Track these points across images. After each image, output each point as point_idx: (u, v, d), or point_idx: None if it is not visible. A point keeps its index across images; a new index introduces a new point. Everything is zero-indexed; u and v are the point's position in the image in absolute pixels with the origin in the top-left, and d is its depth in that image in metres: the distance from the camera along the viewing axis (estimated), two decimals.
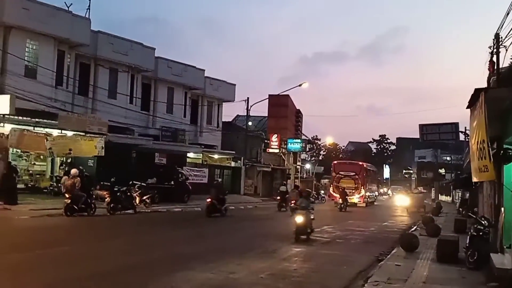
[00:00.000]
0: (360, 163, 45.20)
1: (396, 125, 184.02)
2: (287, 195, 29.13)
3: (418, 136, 33.72)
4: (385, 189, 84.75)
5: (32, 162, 26.31)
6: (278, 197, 30.76)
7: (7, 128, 21.16)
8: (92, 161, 26.07)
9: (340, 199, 33.42)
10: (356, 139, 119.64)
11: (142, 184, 23.45)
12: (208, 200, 21.44)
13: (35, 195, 23.25)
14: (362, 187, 39.96)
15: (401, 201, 37.20)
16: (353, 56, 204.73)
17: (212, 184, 26.31)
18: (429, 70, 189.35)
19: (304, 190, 18.64)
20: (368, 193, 42.15)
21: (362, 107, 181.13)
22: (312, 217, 15.35)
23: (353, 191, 38.63)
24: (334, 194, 38.55)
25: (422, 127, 32.14)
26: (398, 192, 44.24)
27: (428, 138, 34.37)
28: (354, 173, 40.68)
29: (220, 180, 23.39)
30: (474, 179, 10.69)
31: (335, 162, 46.30)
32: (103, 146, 24.99)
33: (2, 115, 20.77)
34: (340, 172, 41.14)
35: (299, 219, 14.71)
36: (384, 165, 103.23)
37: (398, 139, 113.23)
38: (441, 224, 20.02)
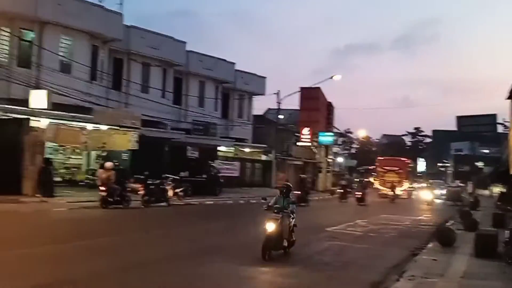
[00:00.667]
0: (403, 159, 48.27)
1: (431, 118, 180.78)
2: (348, 188, 34.26)
3: (454, 128, 33.09)
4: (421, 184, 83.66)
5: (68, 156, 26.86)
6: (341, 190, 34.09)
7: (44, 122, 21.58)
8: (126, 154, 26.46)
9: (391, 191, 36.18)
10: (390, 132, 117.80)
11: (175, 177, 23.61)
12: (298, 192, 24.39)
13: (71, 188, 23.77)
14: (405, 181, 43.35)
15: (425, 196, 35.99)
16: (386, 48, 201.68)
17: (300, 179, 30.80)
18: (465, 60, 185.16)
19: (285, 184, 11.93)
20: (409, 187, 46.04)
21: (396, 99, 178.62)
22: (292, 222, 10.70)
23: (397, 184, 40.25)
24: (380, 187, 42.06)
25: (459, 118, 31.41)
26: (426, 187, 41.91)
27: (466, 130, 33.60)
28: (398, 168, 44.52)
29: (305, 176, 26.65)
30: None
31: (380, 158, 49.89)
32: (137, 139, 25.28)
33: (38, 110, 21.19)
34: (385, 167, 44.76)
35: (270, 226, 9.88)
36: (419, 158, 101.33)
37: (434, 131, 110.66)
38: (478, 218, 19.43)
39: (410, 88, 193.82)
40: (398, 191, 39.27)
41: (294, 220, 10.78)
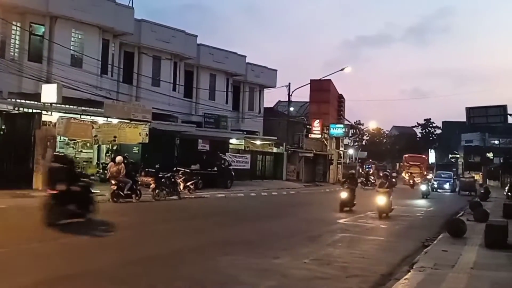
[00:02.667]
0: (423, 156, 65.91)
1: (442, 109, 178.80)
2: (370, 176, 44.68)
3: (465, 120, 32.63)
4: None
5: (79, 150, 27.05)
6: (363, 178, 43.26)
7: (54, 116, 21.71)
8: (137, 148, 26.60)
9: (411, 181, 46.40)
10: (401, 124, 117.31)
11: (186, 170, 23.73)
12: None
13: None
14: (425, 172, 56.60)
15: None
16: (397, 39, 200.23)
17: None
18: (476, 51, 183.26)
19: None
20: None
21: (407, 91, 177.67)
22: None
23: (419, 175, 51.66)
24: (406, 178, 51.66)
25: (469, 110, 31.07)
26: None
27: (475, 121, 33.26)
28: (419, 163, 60.65)
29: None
30: None
31: (406, 155, 64.61)
32: (147, 133, 25.37)
33: (49, 104, 21.31)
34: (410, 162, 60.46)
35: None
36: (430, 149, 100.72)
37: (444, 123, 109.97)
38: (489, 209, 19.39)
39: (422, 79, 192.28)
40: (417, 180, 46.94)
41: None
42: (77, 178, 12.93)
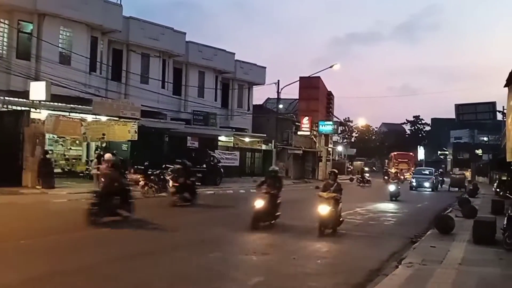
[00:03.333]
0: (411, 153, 68.59)
1: (431, 106, 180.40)
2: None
3: (454, 117, 32.89)
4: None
5: (68, 147, 26.92)
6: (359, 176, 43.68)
7: (43, 114, 21.61)
8: (126, 145, 26.50)
9: (400, 176, 45.23)
10: (390, 121, 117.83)
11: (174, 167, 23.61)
12: None
13: (71, 179, 23.86)
14: (411, 168, 58.24)
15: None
16: (387, 36, 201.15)
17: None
18: (465, 48, 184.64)
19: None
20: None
21: (396, 88, 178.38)
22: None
23: (407, 171, 54.74)
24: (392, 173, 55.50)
25: (458, 107, 31.39)
26: None
27: (465, 118, 33.63)
28: (407, 160, 64.17)
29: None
30: (510, 159, 10.40)
31: (395, 153, 67.25)
32: (136, 130, 25.32)
33: (38, 101, 21.21)
34: (398, 159, 63.69)
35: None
36: (419, 146, 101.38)
37: (433, 119, 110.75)
38: (477, 206, 19.58)
39: (411, 76, 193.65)
40: (408, 175, 49.21)
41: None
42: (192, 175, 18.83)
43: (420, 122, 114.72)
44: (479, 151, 71.26)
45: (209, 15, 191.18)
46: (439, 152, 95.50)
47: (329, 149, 57.62)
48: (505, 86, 10.25)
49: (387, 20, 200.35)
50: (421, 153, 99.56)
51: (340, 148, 70.29)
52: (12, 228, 11.19)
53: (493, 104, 31.32)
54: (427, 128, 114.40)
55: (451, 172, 55.45)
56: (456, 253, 10.26)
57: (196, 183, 19.55)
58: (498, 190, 30.44)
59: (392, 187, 26.00)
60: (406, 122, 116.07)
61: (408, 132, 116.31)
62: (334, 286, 7.64)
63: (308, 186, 37.43)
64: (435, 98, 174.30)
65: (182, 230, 12.41)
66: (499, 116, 38.39)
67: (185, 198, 17.53)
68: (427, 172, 40.07)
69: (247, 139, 40.66)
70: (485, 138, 72.44)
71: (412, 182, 37.05)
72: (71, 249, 9.34)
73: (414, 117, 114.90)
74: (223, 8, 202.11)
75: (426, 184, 36.44)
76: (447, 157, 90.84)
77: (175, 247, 9.98)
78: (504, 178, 34.31)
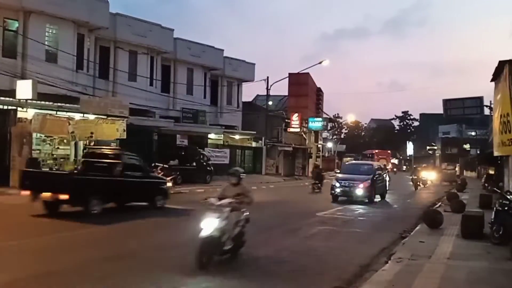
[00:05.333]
0: (388, 151, 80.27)
1: (420, 101, 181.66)
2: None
3: (442, 112, 33.01)
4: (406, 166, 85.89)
5: (56, 146, 26.59)
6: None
7: (30, 113, 21.37)
8: (115, 144, 26.28)
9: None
10: (379, 116, 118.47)
11: (165, 165, 23.59)
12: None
13: None
14: (389, 163, 68.65)
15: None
16: (375, 32, 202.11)
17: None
18: (453, 43, 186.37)
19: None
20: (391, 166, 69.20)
21: (385, 83, 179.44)
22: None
23: (386, 165, 52.86)
24: None
25: (446, 102, 31.44)
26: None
27: (452, 113, 33.69)
28: (385, 156, 73.97)
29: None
30: (496, 153, 10.47)
31: (376, 151, 77.56)
32: (125, 128, 25.10)
33: (24, 100, 20.98)
34: (379, 156, 71.46)
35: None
36: (408, 142, 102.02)
37: (421, 115, 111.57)
38: (465, 200, 19.75)
39: (399, 71, 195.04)
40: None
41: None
42: None
43: (408, 118, 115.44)
44: (467, 146, 71.87)
45: (197, 11, 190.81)
46: (427, 147, 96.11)
47: (319, 145, 57.77)
48: (491, 81, 10.34)
49: (376, 16, 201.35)
50: (410, 149, 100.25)
51: (330, 145, 70.49)
52: (0, 229, 11.07)
53: (480, 99, 31.41)
54: (416, 123, 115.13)
55: (443, 168, 55.58)
56: (444, 247, 10.33)
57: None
58: (486, 184, 30.72)
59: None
60: (395, 117, 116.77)
61: (397, 127, 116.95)
62: (323, 282, 7.64)
63: (298, 183, 37.57)
64: (423, 94, 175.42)
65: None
66: (487, 111, 38.66)
67: None
68: (363, 170, 23.35)
69: (237, 137, 40.61)
70: (473, 133, 73.10)
71: (335, 186, 21.85)
72: (61, 249, 9.27)
73: (402, 112, 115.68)
74: (211, 3, 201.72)
75: (359, 192, 21.33)
76: (436, 152, 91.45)
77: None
78: (491, 172, 34.64)
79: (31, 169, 15.10)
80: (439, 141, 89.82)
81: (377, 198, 22.96)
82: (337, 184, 21.92)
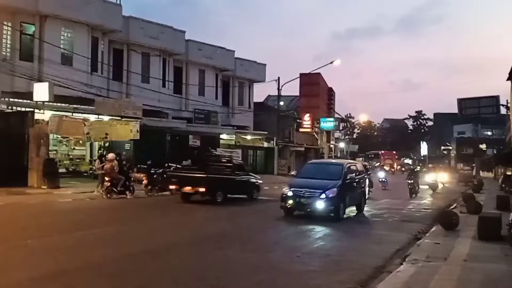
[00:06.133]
0: (394, 152, 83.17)
1: (434, 100, 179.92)
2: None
3: (457, 111, 32.73)
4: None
5: (72, 147, 26.98)
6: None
7: (47, 114, 21.73)
8: (129, 144, 26.56)
9: (391, 169, 56.40)
10: (392, 116, 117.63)
11: (177, 166, 23.64)
12: None
13: (76, 178, 23.99)
14: (395, 163, 72.99)
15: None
16: (388, 30, 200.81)
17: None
18: (468, 41, 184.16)
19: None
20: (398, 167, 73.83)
21: (398, 83, 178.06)
22: None
23: (392, 165, 67.18)
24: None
25: (461, 101, 31.19)
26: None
27: (468, 112, 33.44)
28: (391, 157, 76.88)
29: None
30: None
31: (382, 151, 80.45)
32: (138, 129, 25.40)
33: (41, 102, 21.32)
34: (385, 157, 75.93)
35: None
36: (421, 142, 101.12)
37: (435, 114, 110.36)
38: (482, 201, 19.46)
39: (413, 70, 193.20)
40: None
41: None
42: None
43: (422, 117, 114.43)
44: (483, 146, 71.04)
45: (208, 12, 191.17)
46: (442, 148, 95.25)
47: (331, 145, 57.60)
48: (508, 80, 10.21)
49: (389, 14, 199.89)
50: (424, 149, 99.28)
51: (342, 145, 70.23)
52: (19, 228, 11.28)
53: (496, 98, 31.12)
54: (430, 123, 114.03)
55: (459, 168, 54.73)
56: (461, 249, 10.23)
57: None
58: (503, 185, 30.27)
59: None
60: (408, 117, 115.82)
61: (411, 127, 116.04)
62: (338, 283, 7.63)
63: None
64: (438, 93, 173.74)
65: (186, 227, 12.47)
66: (503, 110, 38.24)
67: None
68: (329, 170, 16.69)
69: (248, 137, 40.67)
70: (489, 133, 72.29)
71: (287, 197, 15.30)
72: (78, 247, 9.37)
73: (416, 112, 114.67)
74: (222, 4, 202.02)
75: (318, 205, 14.78)
76: (451, 152, 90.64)
77: (177, 245, 10.00)
78: (509, 173, 34.14)
79: (177, 172, 19.66)
80: (453, 141, 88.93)
81: (352, 212, 16.89)
82: (290, 193, 15.05)
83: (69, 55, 25.25)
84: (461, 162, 64.85)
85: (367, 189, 19.87)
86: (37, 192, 18.75)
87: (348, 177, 16.10)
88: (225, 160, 21.00)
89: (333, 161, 26.10)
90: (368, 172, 23.67)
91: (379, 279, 7.82)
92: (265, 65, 42.59)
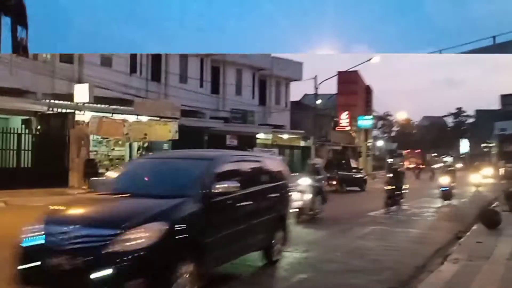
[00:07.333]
0: (418, 150, 75.41)
1: (475, 97, 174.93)
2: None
3: (498, 107, 31.84)
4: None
5: (112, 148, 27.50)
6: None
7: (87, 115, 22.21)
8: (167, 144, 26.89)
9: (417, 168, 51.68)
10: (431, 113, 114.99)
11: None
12: None
13: None
14: (421, 162, 64.88)
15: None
16: None
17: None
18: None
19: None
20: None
21: (438, 80, 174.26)
22: None
23: (419, 164, 60.21)
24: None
25: (504, 97, 30.34)
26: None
27: (510, 109, 32.43)
28: (415, 156, 70.47)
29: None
30: None
31: (407, 151, 73.90)
32: (177, 130, 25.69)
33: (82, 103, 21.80)
34: (409, 156, 69.87)
35: None
36: (461, 139, 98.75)
37: (477, 111, 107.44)
38: None
39: (455, 66, 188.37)
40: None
41: None
42: None
43: (462, 114, 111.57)
44: None
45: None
46: (483, 145, 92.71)
47: (369, 144, 56.94)
48: None
49: None
50: (464, 146, 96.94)
51: (380, 143, 69.26)
52: None
53: None
54: (470, 120, 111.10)
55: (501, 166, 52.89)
56: (504, 248, 9.99)
57: None
58: None
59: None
60: (448, 114, 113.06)
61: (451, 124, 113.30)
62: (377, 283, 7.58)
63: None
64: (479, 89, 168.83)
65: None
66: None
67: None
68: (173, 174, 7.00)
69: (285, 136, 40.61)
70: None
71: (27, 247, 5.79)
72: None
73: (456, 109, 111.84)
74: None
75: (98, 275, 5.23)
76: (492, 149, 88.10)
77: None
78: None
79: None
80: (495, 138, 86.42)
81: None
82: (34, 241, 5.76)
83: (109, 57, 25.76)
84: (503, 159, 62.81)
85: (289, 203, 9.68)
86: (78, 193, 19.17)
87: (222, 190, 6.67)
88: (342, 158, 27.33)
89: (195, 152, 9.02)
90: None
91: (419, 279, 7.73)
92: (301, 63, 42.44)
